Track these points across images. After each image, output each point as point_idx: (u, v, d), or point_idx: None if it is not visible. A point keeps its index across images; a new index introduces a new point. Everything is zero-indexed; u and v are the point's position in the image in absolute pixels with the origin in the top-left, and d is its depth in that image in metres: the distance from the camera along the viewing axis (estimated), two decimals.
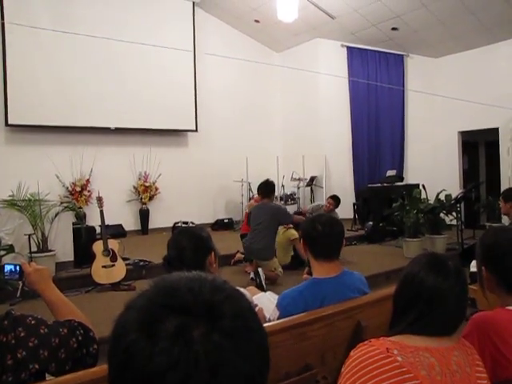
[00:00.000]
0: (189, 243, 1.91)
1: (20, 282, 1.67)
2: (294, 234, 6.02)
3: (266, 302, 2.32)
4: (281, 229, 6.03)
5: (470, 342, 1.35)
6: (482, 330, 1.39)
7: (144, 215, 9.03)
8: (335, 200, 7.28)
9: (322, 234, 2.05)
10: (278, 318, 1.94)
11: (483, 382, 1.24)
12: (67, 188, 8.17)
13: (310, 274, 2.18)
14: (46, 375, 1.26)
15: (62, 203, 6.05)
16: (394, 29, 9.33)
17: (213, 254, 1.95)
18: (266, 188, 5.64)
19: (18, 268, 1.66)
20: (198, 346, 0.53)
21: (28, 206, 5.47)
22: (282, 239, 6.11)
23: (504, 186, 8.44)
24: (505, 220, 6.04)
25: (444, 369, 1.19)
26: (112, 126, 8.52)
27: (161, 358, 0.53)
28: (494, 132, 9.22)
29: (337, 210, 7.21)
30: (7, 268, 1.69)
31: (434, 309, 1.28)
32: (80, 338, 1.36)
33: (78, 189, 8.18)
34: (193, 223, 8.55)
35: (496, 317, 1.45)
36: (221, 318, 0.56)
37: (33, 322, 1.27)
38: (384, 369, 1.17)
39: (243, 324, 0.58)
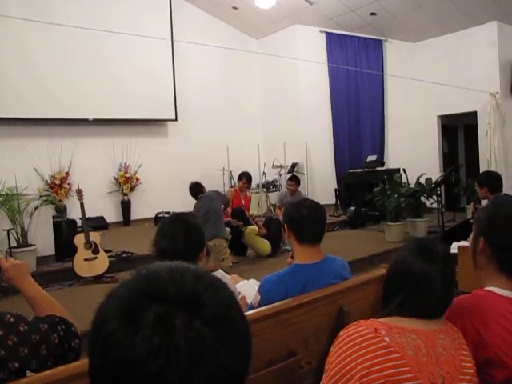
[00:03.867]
0: (183, 235, 1.82)
1: None
2: (254, 228, 6.23)
3: (248, 290, 2.32)
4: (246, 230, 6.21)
5: (455, 325, 1.38)
6: (462, 314, 1.42)
7: (125, 206, 8.95)
8: (295, 180, 7.31)
9: (307, 218, 2.05)
10: (260, 303, 1.95)
11: (468, 364, 1.27)
12: (46, 181, 8.04)
13: (293, 257, 2.19)
14: (27, 372, 1.25)
15: (41, 197, 5.96)
16: (372, 14, 9.33)
17: (205, 249, 1.90)
18: (196, 188, 5.95)
19: None
20: (179, 335, 0.53)
21: (6, 201, 5.38)
22: (250, 239, 6.23)
23: (483, 169, 8.57)
24: (484, 203, 6.13)
25: (430, 350, 1.22)
26: (90, 117, 8.39)
27: (141, 347, 0.53)
28: (473, 115, 9.33)
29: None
30: None
31: (421, 292, 1.31)
32: (61, 333, 1.34)
33: (58, 182, 8.06)
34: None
35: (475, 300, 1.47)
36: (202, 307, 0.56)
37: (11, 320, 1.24)
38: (372, 348, 1.20)
39: (225, 313, 0.58)
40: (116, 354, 0.54)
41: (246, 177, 7.01)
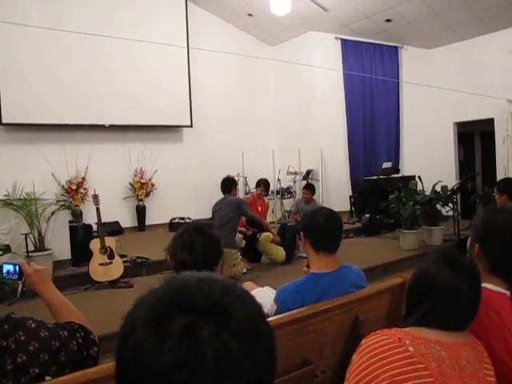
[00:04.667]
0: (203, 247, 1.80)
1: (19, 283, 1.65)
2: (268, 234, 6.18)
3: (263, 297, 2.32)
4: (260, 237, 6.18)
5: None
6: None
7: (141, 212, 9.01)
8: (310, 188, 7.31)
9: (323, 226, 2.05)
10: (276, 313, 1.94)
11: (491, 379, 1.26)
12: (63, 186, 8.13)
13: (309, 266, 2.19)
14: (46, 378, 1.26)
15: (58, 202, 6.03)
16: (387, 20, 9.31)
17: (221, 261, 1.88)
18: (226, 183, 5.87)
19: (17, 268, 1.63)
20: (206, 346, 0.54)
21: (24, 205, 5.45)
22: (265, 245, 6.20)
23: (500, 176, 8.46)
24: None
25: (454, 363, 1.21)
26: (106, 123, 8.48)
27: (168, 356, 0.53)
28: (490, 122, 9.23)
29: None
30: (6, 268, 1.67)
31: (446, 303, 1.30)
32: (80, 340, 1.35)
33: (74, 187, 8.15)
34: (189, 219, 8.54)
35: None
36: (230, 318, 0.57)
37: (33, 326, 1.25)
38: (395, 357, 1.18)
39: (252, 325, 0.59)
40: (143, 362, 0.54)
41: (263, 184, 7.00)
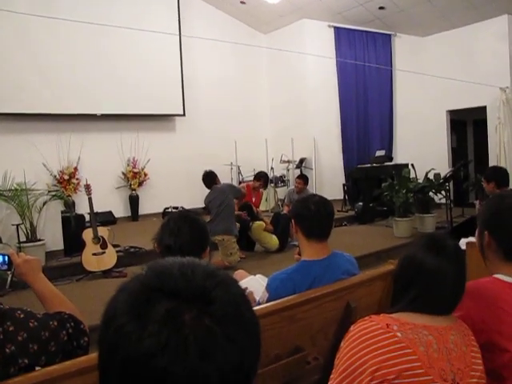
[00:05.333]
0: (189, 232, 1.80)
1: (9, 273, 1.63)
2: (261, 223, 6.20)
3: (255, 285, 2.32)
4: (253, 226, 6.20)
5: (458, 308, 1.37)
6: (466, 298, 1.42)
7: (134, 201, 8.98)
8: (303, 178, 7.34)
9: (315, 213, 2.04)
10: (267, 301, 1.95)
11: (478, 361, 1.27)
12: (55, 176, 8.08)
13: (300, 254, 2.19)
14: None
15: (49, 192, 5.99)
16: (381, 8, 9.26)
17: (208, 248, 1.88)
18: (209, 177, 5.94)
19: (6, 259, 1.62)
20: (188, 330, 0.53)
21: (15, 196, 5.40)
22: (258, 234, 6.21)
23: (492, 164, 8.51)
24: None
25: (441, 346, 1.22)
26: (98, 112, 8.41)
27: (150, 341, 0.53)
28: (482, 110, 9.25)
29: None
30: None
31: (432, 288, 1.31)
32: (70, 330, 1.35)
33: (66, 177, 8.10)
34: (183, 208, 8.52)
35: (480, 285, 1.48)
36: (212, 303, 0.56)
37: (22, 316, 1.25)
38: (383, 343, 1.20)
39: (235, 310, 0.58)
40: (124, 347, 0.54)
41: (264, 179, 7.03)
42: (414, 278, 1.34)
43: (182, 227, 1.80)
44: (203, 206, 9.39)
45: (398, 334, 1.21)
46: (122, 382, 0.54)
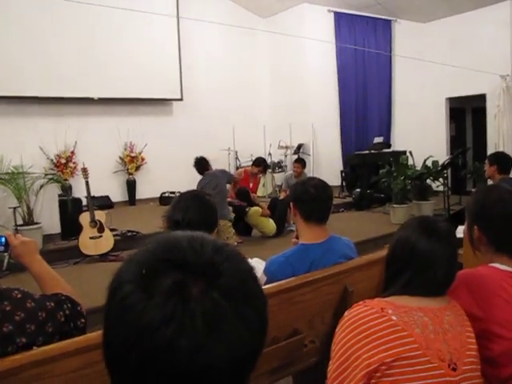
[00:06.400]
0: (198, 211, 1.81)
1: (6, 255, 1.63)
2: (257, 209, 6.19)
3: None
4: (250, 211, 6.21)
5: (456, 296, 1.39)
6: (463, 286, 1.44)
7: (131, 186, 8.97)
8: (301, 162, 7.35)
9: (314, 196, 2.03)
10: (265, 284, 1.95)
11: (472, 340, 1.29)
12: (52, 160, 8.05)
13: (298, 238, 2.18)
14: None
15: (46, 175, 5.97)
16: None
17: (216, 229, 1.90)
18: (201, 163, 5.96)
19: (3, 240, 1.61)
20: (195, 303, 0.53)
21: (12, 179, 5.39)
22: (255, 219, 6.21)
23: (490, 152, 8.49)
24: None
25: (437, 327, 1.23)
26: (95, 96, 8.35)
27: (155, 312, 0.52)
28: (481, 98, 9.21)
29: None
30: None
31: (426, 270, 1.31)
32: (67, 311, 1.35)
33: (63, 161, 8.07)
34: (180, 193, 8.51)
35: (477, 273, 1.49)
36: (220, 276, 0.56)
37: (19, 296, 1.25)
38: (379, 327, 1.20)
39: (242, 285, 0.58)
40: (129, 317, 0.53)
41: (263, 165, 7.01)
42: (406, 261, 1.35)
43: (191, 205, 1.82)
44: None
45: (393, 318, 1.21)
46: (127, 355, 0.54)
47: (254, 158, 7.54)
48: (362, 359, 1.17)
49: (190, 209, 1.80)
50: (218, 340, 0.53)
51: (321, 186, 2.08)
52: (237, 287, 0.56)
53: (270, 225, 6.25)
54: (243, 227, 6.32)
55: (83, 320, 1.40)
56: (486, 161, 4.57)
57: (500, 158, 4.48)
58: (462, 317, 1.32)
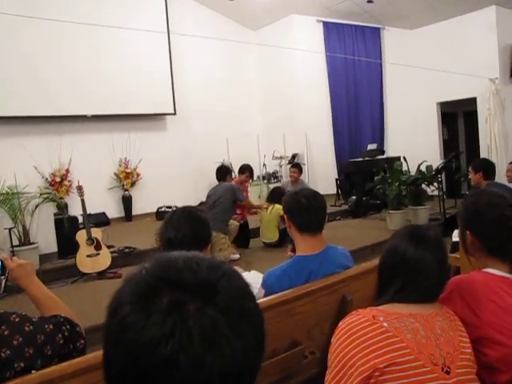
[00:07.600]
0: (190, 228, 1.82)
1: (3, 278, 1.62)
2: (281, 209, 6.05)
3: (250, 282, 2.32)
4: (269, 207, 6.28)
5: (451, 303, 1.41)
6: (457, 292, 1.46)
7: (127, 202, 8.95)
8: (297, 167, 7.35)
9: (306, 207, 2.03)
10: (264, 297, 1.95)
11: (466, 344, 1.30)
12: (46, 179, 8.02)
13: (293, 251, 2.18)
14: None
15: (41, 194, 5.95)
16: (369, 1, 9.25)
17: (209, 245, 1.89)
18: (220, 171, 6.08)
19: None
20: (193, 320, 0.54)
21: (6, 200, 5.37)
22: (270, 217, 6.21)
23: (483, 155, 8.55)
24: None
25: (428, 332, 1.25)
26: (88, 113, 8.36)
27: (154, 331, 0.53)
28: (472, 102, 9.29)
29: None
30: None
31: (415, 278, 1.33)
32: (66, 333, 1.34)
33: (58, 179, 8.04)
34: (176, 207, 8.50)
35: (471, 279, 1.50)
36: (216, 294, 0.57)
37: (17, 320, 1.24)
38: (371, 334, 1.22)
39: (239, 302, 0.59)
40: (129, 336, 0.54)
41: (249, 170, 6.95)
42: (397, 270, 1.37)
43: (183, 222, 1.83)
44: (196, 204, 9.45)
45: (385, 324, 1.23)
46: (127, 374, 0.55)
47: (239, 167, 7.46)
48: (356, 366, 1.19)
49: (183, 226, 1.81)
50: (217, 356, 0.54)
51: (312, 195, 2.09)
52: (233, 304, 0.58)
53: (277, 231, 6.25)
54: (242, 239, 6.30)
55: (82, 341, 1.39)
56: (470, 169, 4.62)
57: (485, 165, 4.55)
58: (455, 322, 1.33)
